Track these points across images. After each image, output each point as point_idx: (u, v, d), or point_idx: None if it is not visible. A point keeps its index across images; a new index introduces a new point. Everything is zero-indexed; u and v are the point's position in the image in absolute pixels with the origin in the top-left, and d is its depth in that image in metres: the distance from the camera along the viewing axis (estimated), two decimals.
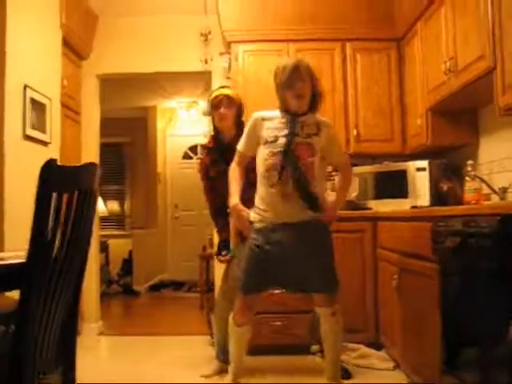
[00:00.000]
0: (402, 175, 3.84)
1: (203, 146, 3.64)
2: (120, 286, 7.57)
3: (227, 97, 3.37)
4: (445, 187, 3.70)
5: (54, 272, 1.64)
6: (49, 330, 1.69)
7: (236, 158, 2.94)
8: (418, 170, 3.78)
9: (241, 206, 2.81)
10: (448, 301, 2.43)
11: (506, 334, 1.77)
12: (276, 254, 2.69)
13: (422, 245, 2.71)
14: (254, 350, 3.29)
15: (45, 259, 1.56)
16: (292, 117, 2.75)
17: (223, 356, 3.32)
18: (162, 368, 3.60)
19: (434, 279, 2.58)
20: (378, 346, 3.70)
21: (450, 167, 3.88)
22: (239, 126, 3.34)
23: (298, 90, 2.71)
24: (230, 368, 2.97)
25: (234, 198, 2.83)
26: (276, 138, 2.73)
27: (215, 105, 3.36)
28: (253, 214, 2.79)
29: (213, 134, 3.50)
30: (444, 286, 2.46)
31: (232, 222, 3.21)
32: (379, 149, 4.25)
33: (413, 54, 3.92)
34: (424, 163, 3.76)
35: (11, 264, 1.72)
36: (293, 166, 2.67)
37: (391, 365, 3.43)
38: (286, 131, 2.72)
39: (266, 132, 2.78)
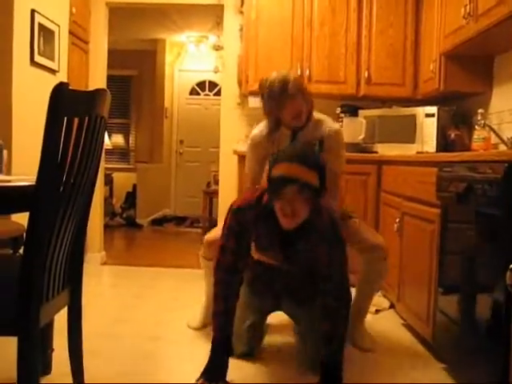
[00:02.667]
0: (411, 120, 3.82)
1: None
2: (123, 219, 7.67)
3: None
4: (452, 135, 3.68)
5: (63, 196, 1.66)
6: (57, 254, 1.72)
7: (249, 181, 2.83)
8: (427, 115, 3.75)
9: None
10: (447, 246, 2.47)
11: (503, 281, 1.81)
12: None
13: (426, 190, 2.73)
14: None
15: (54, 182, 1.57)
16: (292, 132, 2.68)
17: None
18: (162, 296, 3.72)
19: (435, 224, 2.61)
20: None
21: (460, 115, 3.85)
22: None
23: (294, 110, 2.58)
24: (201, 307, 2.97)
25: None
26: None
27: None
28: None
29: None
30: (445, 232, 2.49)
31: None
32: (389, 92, 4.21)
33: None
34: (433, 109, 3.73)
35: (20, 186, 1.74)
36: None
37: (386, 305, 3.52)
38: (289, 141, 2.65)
39: (268, 151, 2.64)
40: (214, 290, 2.32)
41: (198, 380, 2.22)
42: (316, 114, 2.77)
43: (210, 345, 2.29)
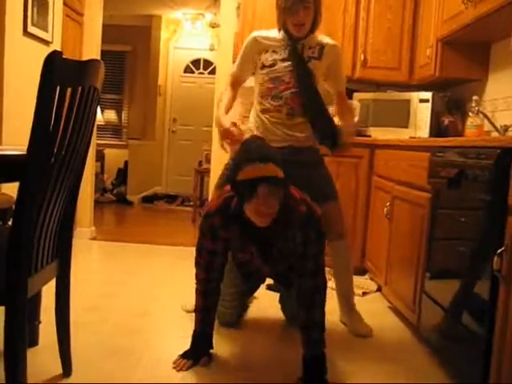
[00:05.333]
0: (405, 105, 3.82)
1: None
2: (113, 195, 7.64)
3: None
4: (446, 121, 3.69)
5: (54, 167, 1.64)
6: (46, 225, 1.71)
7: (228, 80, 2.80)
8: (421, 101, 3.76)
9: (223, 120, 2.60)
10: (437, 231, 2.49)
11: (490, 267, 1.82)
12: None
13: (418, 174, 2.74)
14: None
15: (45, 153, 1.55)
16: (292, 39, 2.59)
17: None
18: (152, 273, 3.72)
19: (425, 209, 2.62)
20: (362, 271, 3.82)
21: (454, 101, 3.86)
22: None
23: (300, 19, 2.51)
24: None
25: (218, 111, 2.70)
26: (274, 62, 2.59)
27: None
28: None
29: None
30: (435, 216, 2.50)
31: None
32: (385, 76, 4.19)
33: None
34: (428, 95, 3.73)
35: (10, 155, 1.73)
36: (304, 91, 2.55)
37: (374, 287, 3.55)
38: (284, 54, 2.58)
39: (265, 55, 2.62)
40: (195, 285, 2.35)
41: (174, 362, 2.25)
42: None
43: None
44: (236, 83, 2.79)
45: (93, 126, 1.89)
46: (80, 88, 1.62)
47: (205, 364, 2.26)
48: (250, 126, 2.71)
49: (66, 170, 1.75)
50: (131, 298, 3.13)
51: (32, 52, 3.47)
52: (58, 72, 1.47)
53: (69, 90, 1.57)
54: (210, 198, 4.57)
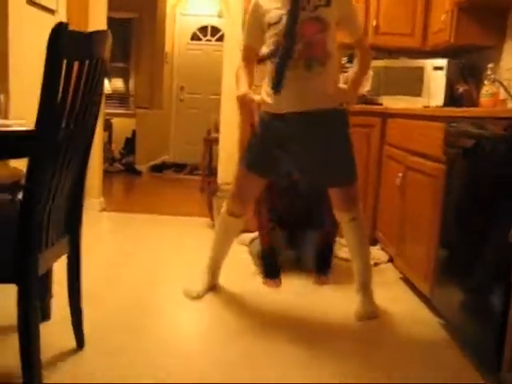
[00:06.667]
0: (418, 73, 3.73)
1: None
2: (122, 165, 7.61)
3: None
4: (460, 89, 3.60)
5: (63, 142, 1.61)
6: (56, 202, 1.69)
7: (242, 53, 2.70)
8: (435, 68, 3.66)
9: (248, 96, 2.55)
10: (451, 202, 2.45)
11: (506, 239, 1.79)
12: (285, 144, 2.53)
13: (432, 145, 2.69)
14: None
15: (53, 127, 1.52)
16: None
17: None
18: (163, 248, 3.69)
19: (439, 180, 2.57)
20: (373, 241, 3.79)
21: (469, 69, 3.76)
22: None
23: None
24: (203, 273, 2.81)
25: (241, 88, 2.58)
26: (280, 18, 2.43)
27: None
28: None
29: None
30: (449, 188, 2.46)
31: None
32: (397, 43, 4.08)
33: None
34: (442, 62, 3.63)
35: (18, 131, 1.70)
36: (293, 47, 2.38)
37: (385, 258, 3.53)
38: (289, 7, 2.40)
39: (269, 14, 2.48)
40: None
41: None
42: None
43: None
44: (250, 56, 2.67)
45: (101, 97, 1.85)
46: (87, 61, 1.57)
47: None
48: (263, 95, 2.58)
49: (75, 144, 1.72)
50: (141, 268, 3.14)
51: (37, 21, 3.40)
52: (64, 45, 1.43)
53: (76, 62, 1.53)
54: (219, 168, 4.55)
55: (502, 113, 2.03)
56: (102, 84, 1.80)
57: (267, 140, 2.58)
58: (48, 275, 2.24)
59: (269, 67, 2.52)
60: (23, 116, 2.09)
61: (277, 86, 2.44)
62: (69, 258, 1.99)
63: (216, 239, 2.83)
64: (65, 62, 1.45)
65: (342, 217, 2.65)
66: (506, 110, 2.18)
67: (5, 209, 2.08)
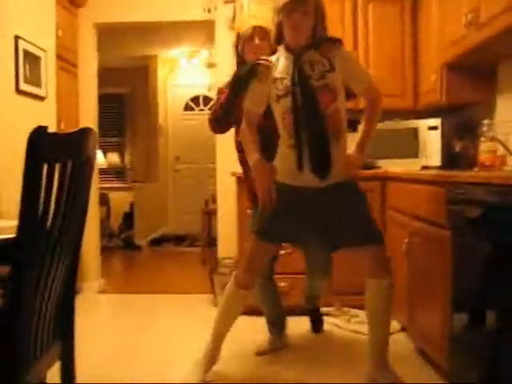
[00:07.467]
0: (413, 133, 3.69)
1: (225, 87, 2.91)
2: (121, 240, 7.51)
3: (261, 28, 2.83)
4: (457, 147, 3.56)
5: (48, 247, 1.52)
6: (44, 309, 1.59)
7: (244, 118, 2.60)
8: (430, 128, 3.63)
9: (264, 162, 2.50)
10: (461, 269, 2.33)
11: None
12: (307, 214, 2.46)
13: (435, 211, 2.60)
14: (257, 311, 3.22)
15: (36, 234, 1.44)
16: (295, 56, 2.38)
17: (275, 328, 3.18)
18: (164, 333, 3.51)
19: (446, 246, 2.47)
20: None
21: (463, 126, 3.73)
22: None
23: (296, 21, 2.31)
24: (206, 346, 2.70)
25: (254, 154, 2.51)
26: (287, 91, 2.38)
27: (247, 37, 2.84)
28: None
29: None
30: (458, 256, 2.35)
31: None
32: (389, 104, 3.99)
33: (429, 5, 3.66)
34: (436, 121, 3.60)
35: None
36: (309, 120, 2.34)
37: (398, 327, 3.37)
38: (294, 76, 2.36)
39: (274, 85, 2.44)
40: None
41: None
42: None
43: None
44: (252, 120, 2.59)
45: (88, 195, 1.78)
46: (70, 162, 1.50)
47: None
48: (277, 166, 2.52)
49: (62, 246, 1.63)
50: (144, 361, 2.96)
51: (26, 109, 3.39)
52: (45, 149, 1.36)
53: (58, 164, 1.46)
54: (218, 241, 4.44)
55: (509, 179, 1.94)
56: (88, 181, 1.72)
57: (286, 210, 2.49)
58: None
59: (286, 141, 2.46)
60: (13, 209, 2.00)
61: (300, 165, 2.40)
62: (62, 364, 1.86)
63: (221, 315, 2.71)
64: (45, 166, 1.38)
65: (376, 284, 2.49)
66: (508, 175, 2.09)
67: None
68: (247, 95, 2.58)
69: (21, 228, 1.38)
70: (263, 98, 2.52)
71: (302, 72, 2.36)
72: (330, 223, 2.45)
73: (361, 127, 2.61)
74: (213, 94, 7.24)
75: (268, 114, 2.58)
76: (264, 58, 2.51)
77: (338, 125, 2.42)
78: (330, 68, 2.38)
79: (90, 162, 1.67)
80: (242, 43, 2.86)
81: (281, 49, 2.49)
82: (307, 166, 2.40)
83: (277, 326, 3.17)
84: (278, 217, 2.51)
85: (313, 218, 2.46)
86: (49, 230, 1.49)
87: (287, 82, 2.38)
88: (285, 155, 2.48)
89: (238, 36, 2.88)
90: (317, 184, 2.42)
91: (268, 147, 2.57)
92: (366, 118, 2.57)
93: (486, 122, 3.24)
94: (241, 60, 2.88)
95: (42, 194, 1.40)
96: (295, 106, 2.36)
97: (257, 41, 2.80)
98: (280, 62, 2.46)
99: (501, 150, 3.17)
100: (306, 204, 2.46)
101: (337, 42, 2.46)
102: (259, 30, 2.81)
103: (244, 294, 2.67)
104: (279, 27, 2.42)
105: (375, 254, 2.48)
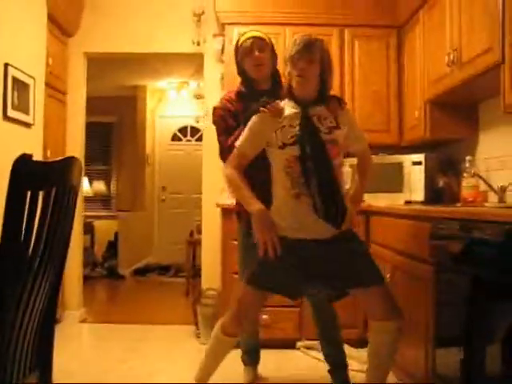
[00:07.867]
0: (397, 168, 3.74)
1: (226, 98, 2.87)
2: (104, 269, 7.41)
3: (260, 39, 2.78)
4: (441, 182, 3.60)
5: (29, 275, 1.51)
6: (22, 339, 1.56)
7: (233, 160, 2.42)
8: (414, 163, 3.68)
9: (269, 213, 2.35)
10: (443, 306, 2.34)
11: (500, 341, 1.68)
12: (307, 264, 2.33)
13: (418, 245, 2.62)
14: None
15: (17, 262, 1.42)
16: (302, 107, 2.35)
17: (250, 358, 3.14)
18: (146, 364, 3.46)
19: (429, 281, 2.48)
20: (364, 343, 3.62)
21: (447, 162, 3.79)
22: (275, 77, 2.85)
23: (302, 68, 2.29)
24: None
25: (256, 203, 2.33)
26: (295, 138, 2.30)
27: (246, 49, 2.76)
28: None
29: (242, 81, 2.87)
30: (441, 291, 2.36)
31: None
32: (374, 139, 4.08)
33: (413, 43, 3.78)
34: (420, 157, 3.65)
35: None
36: (320, 168, 2.27)
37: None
38: (304, 127, 2.30)
39: (280, 133, 2.33)
40: None
41: None
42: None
43: None
44: (243, 164, 2.43)
45: (71, 224, 1.77)
46: (54, 190, 1.50)
47: None
48: (275, 218, 2.36)
49: (43, 274, 1.61)
50: None
51: (13, 136, 3.39)
52: (27, 177, 1.36)
53: (41, 193, 1.46)
54: (202, 272, 4.42)
55: (492, 216, 1.97)
56: (72, 209, 1.72)
57: (283, 260, 2.32)
58: None
59: (288, 191, 2.34)
60: None
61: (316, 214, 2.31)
62: None
63: (208, 359, 2.58)
64: (28, 194, 1.38)
65: (384, 327, 2.34)
66: (493, 212, 2.11)
67: None
68: (246, 137, 2.43)
69: (1, 255, 1.37)
70: (263, 142, 2.40)
71: (312, 123, 2.33)
72: (338, 271, 2.34)
73: (354, 181, 2.72)
74: (201, 125, 7.32)
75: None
76: (277, 101, 2.44)
77: (340, 177, 2.41)
78: (337, 125, 2.38)
79: (74, 190, 1.66)
80: (241, 55, 2.80)
81: (286, 101, 2.44)
82: (321, 215, 2.29)
83: (251, 357, 3.13)
84: (279, 270, 2.35)
85: (319, 268, 2.33)
86: (30, 258, 1.47)
87: (296, 130, 2.32)
88: (288, 205, 2.34)
89: (237, 47, 2.81)
90: (330, 233, 2.32)
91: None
92: (361, 172, 2.68)
93: (468, 158, 3.31)
94: (241, 71, 2.82)
95: (24, 222, 1.39)
96: (304, 155, 2.28)
97: (256, 53, 2.75)
98: (286, 111, 2.39)
99: (482, 186, 3.23)
100: (313, 256, 2.33)
101: (341, 101, 2.48)
102: (258, 42, 2.77)
103: (232, 342, 2.53)
104: (288, 78, 2.39)
105: (384, 290, 2.36)
